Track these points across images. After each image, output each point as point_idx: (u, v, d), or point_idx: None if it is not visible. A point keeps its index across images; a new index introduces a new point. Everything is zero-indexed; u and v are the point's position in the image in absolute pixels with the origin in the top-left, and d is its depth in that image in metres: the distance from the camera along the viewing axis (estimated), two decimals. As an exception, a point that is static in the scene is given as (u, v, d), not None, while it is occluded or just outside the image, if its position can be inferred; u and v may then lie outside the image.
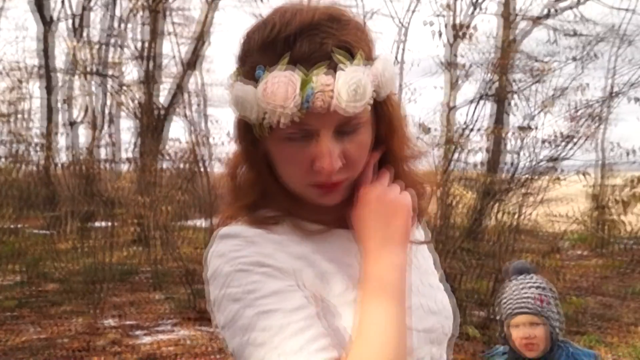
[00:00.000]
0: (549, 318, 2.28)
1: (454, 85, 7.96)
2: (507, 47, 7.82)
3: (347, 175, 0.98)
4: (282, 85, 0.89)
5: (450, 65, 8.07)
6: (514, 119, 8.17)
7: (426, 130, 6.15)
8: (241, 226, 1.01)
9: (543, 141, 6.30)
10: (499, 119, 8.63)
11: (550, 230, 9.27)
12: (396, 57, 7.48)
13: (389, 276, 0.96)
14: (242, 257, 0.95)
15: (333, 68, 0.90)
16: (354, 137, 0.96)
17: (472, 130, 6.70)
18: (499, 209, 6.78)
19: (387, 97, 1.00)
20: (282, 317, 0.90)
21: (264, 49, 0.92)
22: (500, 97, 7.70)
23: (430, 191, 1.14)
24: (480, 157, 7.13)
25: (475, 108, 6.64)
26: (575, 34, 8.43)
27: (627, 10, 9.77)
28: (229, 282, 0.94)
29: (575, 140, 6.12)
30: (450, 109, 8.00)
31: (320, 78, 0.89)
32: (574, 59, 7.25)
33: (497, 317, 2.40)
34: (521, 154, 6.63)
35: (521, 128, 6.46)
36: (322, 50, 0.90)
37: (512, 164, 6.63)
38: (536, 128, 6.39)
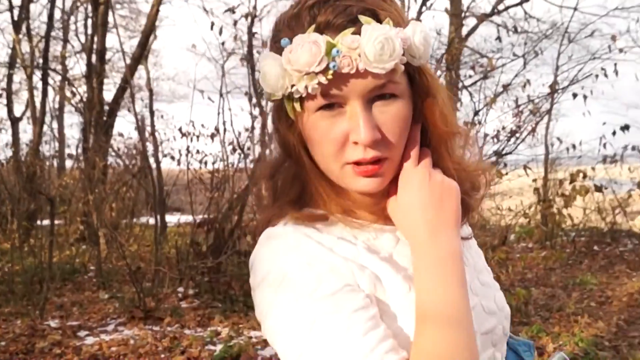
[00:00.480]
0: None
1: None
2: (454, 44, 7.90)
3: (386, 153, 0.90)
4: (306, 48, 0.85)
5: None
6: (461, 114, 8.29)
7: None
8: (289, 226, 0.96)
9: (485, 136, 6.40)
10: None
11: (499, 224, 9.45)
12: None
13: (448, 266, 0.89)
14: (292, 259, 0.90)
15: (359, 33, 0.86)
16: (388, 109, 0.90)
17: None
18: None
19: (423, 67, 0.94)
20: (346, 318, 0.85)
21: (290, 23, 0.91)
22: (453, 92, 7.79)
23: (482, 183, 1.06)
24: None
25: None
26: (519, 31, 8.56)
27: (572, 8, 9.98)
28: (283, 284, 0.89)
29: (518, 135, 6.23)
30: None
31: (346, 39, 0.86)
32: (514, 54, 7.36)
33: None
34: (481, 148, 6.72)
35: (466, 123, 6.54)
36: (346, 16, 0.87)
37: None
38: (480, 123, 6.48)
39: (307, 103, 0.89)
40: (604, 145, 8.16)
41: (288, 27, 0.90)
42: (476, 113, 6.52)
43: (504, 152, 6.30)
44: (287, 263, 0.90)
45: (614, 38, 7.40)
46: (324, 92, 0.87)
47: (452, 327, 0.85)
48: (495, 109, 6.63)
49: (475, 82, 7.23)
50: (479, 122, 6.47)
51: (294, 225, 0.96)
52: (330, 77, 0.86)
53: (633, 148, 8.32)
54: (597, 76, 7.13)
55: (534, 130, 6.49)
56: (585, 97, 7.21)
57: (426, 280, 0.88)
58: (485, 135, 6.41)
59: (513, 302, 6.05)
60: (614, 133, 7.88)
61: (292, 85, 0.88)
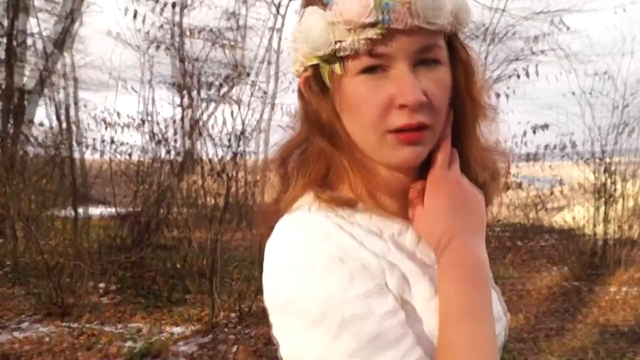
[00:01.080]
0: None
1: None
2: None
3: (430, 119, 0.86)
4: (356, 1, 0.81)
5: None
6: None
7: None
8: (316, 212, 0.89)
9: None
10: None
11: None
12: (272, 46, 7.40)
13: (477, 274, 0.87)
14: (324, 250, 0.83)
15: None
16: (433, 74, 0.86)
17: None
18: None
19: (460, 41, 0.92)
20: (375, 322, 0.80)
21: None
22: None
23: (501, 170, 1.03)
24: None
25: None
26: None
27: (500, 9, 10.22)
28: (310, 279, 0.82)
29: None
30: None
31: None
32: None
33: None
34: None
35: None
36: None
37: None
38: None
39: (349, 64, 0.85)
40: (525, 143, 8.47)
41: None
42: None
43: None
44: (318, 255, 0.83)
45: (536, 39, 7.63)
46: (371, 50, 0.83)
47: (477, 335, 0.83)
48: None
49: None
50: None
51: (322, 212, 0.89)
52: (380, 30, 0.81)
53: (554, 147, 8.60)
54: (518, 76, 7.34)
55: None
56: (507, 96, 7.40)
57: (453, 287, 0.85)
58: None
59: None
60: (534, 131, 8.15)
61: (338, 42, 0.84)
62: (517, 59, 8.82)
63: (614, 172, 8.07)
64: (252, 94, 6.96)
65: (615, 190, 8.10)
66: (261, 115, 6.70)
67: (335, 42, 0.84)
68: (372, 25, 0.82)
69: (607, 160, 8.13)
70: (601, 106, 8.37)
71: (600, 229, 8.17)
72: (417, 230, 0.93)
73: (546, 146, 8.79)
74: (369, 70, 0.85)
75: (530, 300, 6.78)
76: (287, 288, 0.83)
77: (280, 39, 6.45)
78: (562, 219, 9.26)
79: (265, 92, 6.94)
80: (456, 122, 0.95)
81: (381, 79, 0.85)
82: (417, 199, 0.92)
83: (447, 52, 0.89)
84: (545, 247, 8.98)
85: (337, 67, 0.86)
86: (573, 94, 8.39)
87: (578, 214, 8.96)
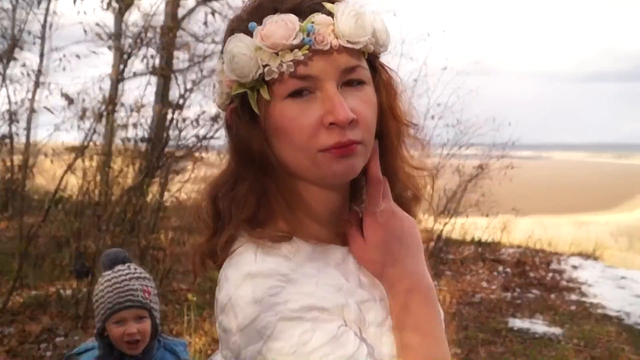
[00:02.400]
0: (153, 310, 2.13)
1: (121, 59, 7.61)
2: (171, 25, 7.73)
3: (360, 136, 0.88)
4: (280, 24, 0.84)
5: (115, 36, 7.68)
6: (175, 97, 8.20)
7: (70, 100, 5.76)
8: (262, 257, 0.88)
9: (185, 120, 6.42)
10: (165, 95, 8.56)
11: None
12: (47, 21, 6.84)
13: (430, 295, 0.93)
14: (285, 303, 0.83)
15: (327, 15, 0.87)
16: (359, 93, 0.89)
17: (142, 106, 6.56)
18: (162, 185, 6.75)
19: (381, 62, 0.96)
20: None
21: (253, 13, 0.89)
22: (163, 74, 7.60)
23: (422, 188, 1.05)
24: (142, 132, 6.98)
25: (147, 84, 6.52)
26: (223, 18, 8.68)
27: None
28: (274, 334, 0.82)
29: (222, 120, 6.34)
30: (118, 82, 7.65)
31: (319, 17, 0.86)
32: (213, 40, 7.45)
33: (96, 312, 2.12)
34: (182, 132, 6.68)
35: (173, 105, 6.47)
36: (311, 2, 0.87)
37: (166, 141, 6.61)
38: (181, 107, 6.47)
39: (276, 88, 0.86)
40: None
41: (249, 17, 0.88)
42: (181, 96, 6.49)
43: (207, 136, 6.40)
44: (279, 308, 0.83)
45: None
46: (297, 72, 0.85)
47: (439, 356, 0.89)
48: (205, 94, 6.67)
49: (189, 67, 7.18)
50: (181, 107, 6.47)
51: (268, 257, 0.89)
52: (305, 52, 0.84)
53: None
54: None
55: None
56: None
57: (410, 315, 0.89)
58: (185, 119, 6.44)
59: (207, 284, 6.12)
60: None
61: (265, 66, 0.85)
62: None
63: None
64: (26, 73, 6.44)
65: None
66: (33, 96, 6.17)
67: (262, 67, 0.85)
68: (298, 47, 0.84)
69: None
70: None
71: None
72: (360, 262, 0.95)
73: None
74: (296, 93, 0.86)
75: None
76: (251, 348, 0.83)
77: (47, 12, 6.00)
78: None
79: (37, 70, 6.42)
80: (381, 142, 0.97)
81: (309, 101, 0.86)
82: (355, 232, 0.95)
83: (371, 72, 0.92)
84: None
85: (264, 93, 0.87)
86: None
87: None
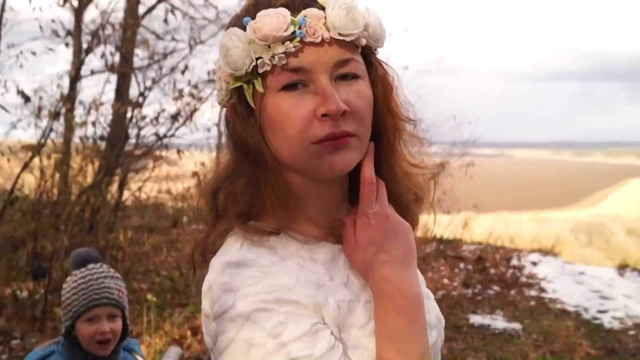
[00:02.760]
0: (125, 310, 2.11)
1: (79, 56, 7.45)
2: (130, 22, 7.61)
3: (354, 128, 0.88)
4: (272, 17, 0.86)
5: (72, 33, 7.53)
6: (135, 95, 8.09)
7: (26, 98, 5.63)
8: (247, 249, 0.90)
9: (144, 117, 6.33)
10: (124, 93, 8.44)
11: (171, 207, 9.44)
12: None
13: (414, 302, 0.91)
14: (260, 293, 0.84)
15: (319, 9, 0.89)
16: (353, 87, 0.90)
17: (101, 104, 6.46)
18: (121, 184, 6.65)
19: (377, 57, 0.96)
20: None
21: (249, 10, 0.91)
22: (122, 72, 7.49)
23: (426, 190, 1.05)
24: (101, 131, 6.87)
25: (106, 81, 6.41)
26: (184, 16, 8.61)
27: None
28: (247, 323, 0.82)
29: (185, 119, 6.28)
30: (76, 79, 7.51)
31: (310, 10, 0.88)
32: (173, 38, 7.39)
33: (66, 310, 2.07)
34: (141, 130, 6.59)
35: (132, 104, 6.38)
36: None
37: (125, 140, 6.51)
38: (141, 105, 6.38)
39: (270, 81, 0.88)
40: None
41: (246, 14, 0.90)
42: (141, 94, 6.39)
43: (167, 135, 6.32)
44: (254, 298, 0.83)
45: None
46: (290, 65, 0.86)
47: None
48: (165, 92, 6.59)
49: (150, 65, 7.08)
50: (140, 105, 6.37)
51: (253, 248, 0.90)
52: (297, 44, 0.86)
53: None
54: None
55: (192, 114, 6.56)
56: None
57: (390, 320, 0.88)
58: (144, 117, 6.35)
59: (167, 284, 6.06)
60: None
61: (258, 59, 0.87)
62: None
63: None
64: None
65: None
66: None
67: (255, 59, 0.87)
68: (289, 39, 0.86)
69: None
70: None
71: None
72: (350, 262, 0.95)
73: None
74: (289, 86, 0.88)
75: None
76: (225, 335, 0.84)
77: (3, 9, 5.81)
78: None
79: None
80: (378, 140, 0.96)
81: (302, 94, 0.87)
82: (349, 231, 0.94)
83: (366, 68, 0.93)
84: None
85: (259, 86, 0.88)
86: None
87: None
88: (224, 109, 1.00)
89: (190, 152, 7.76)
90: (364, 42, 0.92)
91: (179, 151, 6.48)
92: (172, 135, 6.32)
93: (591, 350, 5.63)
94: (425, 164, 1.05)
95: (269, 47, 0.87)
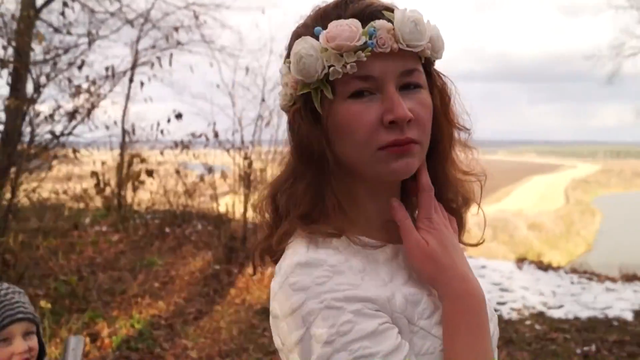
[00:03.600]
0: (40, 324, 1.93)
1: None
2: (25, 14, 7.23)
3: (417, 135, 0.94)
4: (345, 28, 0.91)
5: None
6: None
7: None
8: (313, 250, 0.94)
9: (38, 114, 6.06)
10: (20, 89, 8.02)
11: (72, 208, 9.09)
12: None
13: (483, 309, 0.95)
14: (330, 292, 0.87)
15: (387, 21, 0.93)
16: (416, 96, 0.95)
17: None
18: (14, 184, 6.31)
19: (435, 68, 1.03)
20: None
21: (317, 20, 0.96)
22: (15, 66, 7.10)
23: (473, 194, 1.11)
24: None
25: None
26: (84, 10, 8.29)
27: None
28: (317, 321, 0.86)
29: (83, 116, 6.03)
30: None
31: (379, 22, 0.92)
32: (69, 32, 7.12)
33: None
34: (36, 128, 6.28)
35: (26, 100, 6.07)
36: (372, 9, 0.94)
37: (19, 138, 6.19)
38: (34, 102, 6.09)
39: (339, 89, 0.93)
40: (162, 131, 8.69)
41: (315, 24, 0.95)
42: (36, 90, 6.09)
43: (64, 132, 6.05)
44: (324, 296, 0.87)
45: (176, 30, 7.76)
46: (360, 73, 0.91)
47: None
48: (62, 88, 6.31)
49: (46, 60, 6.76)
50: (35, 101, 6.07)
51: (319, 249, 0.94)
52: (368, 53, 0.90)
53: (200, 135, 8.85)
54: (152, 65, 7.43)
55: (90, 112, 6.33)
56: (142, 83, 7.42)
57: (460, 319, 0.92)
58: (38, 114, 6.07)
59: (63, 289, 5.82)
60: (176, 118, 8.33)
61: (330, 67, 0.92)
62: (166, 48, 8.89)
63: (253, 160, 8.63)
64: None
65: (256, 177, 8.66)
66: None
67: (327, 67, 0.92)
68: (360, 49, 0.91)
69: (250, 149, 8.68)
70: (246, 99, 8.94)
71: (249, 214, 8.67)
72: (414, 264, 0.97)
73: (193, 134, 9.03)
74: (357, 94, 0.93)
75: (173, 287, 6.86)
76: (295, 333, 0.87)
77: None
78: (212, 206, 9.57)
79: None
80: (433, 147, 1.02)
81: (370, 101, 0.93)
82: (411, 235, 0.97)
83: (425, 78, 0.98)
84: (193, 233, 9.20)
85: (328, 92, 0.93)
86: (218, 86, 8.77)
87: (228, 201, 9.37)
88: (286, 115, 1.04)
89: (89, 151, 7.50)
90: (428, 53, 0.98)
91: (74, 150, 6.22)
92: (70, 134, 6.04)
93: (492, 341, 5.82)
94: (474, 171, 1.11)
95: (341, 55, 0.92)
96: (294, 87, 0.97)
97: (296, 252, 0.94)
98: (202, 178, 9.47)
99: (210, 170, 9.35)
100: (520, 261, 9.48)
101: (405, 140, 0.93)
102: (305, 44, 0.94)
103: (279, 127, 9.10)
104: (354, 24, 0.92)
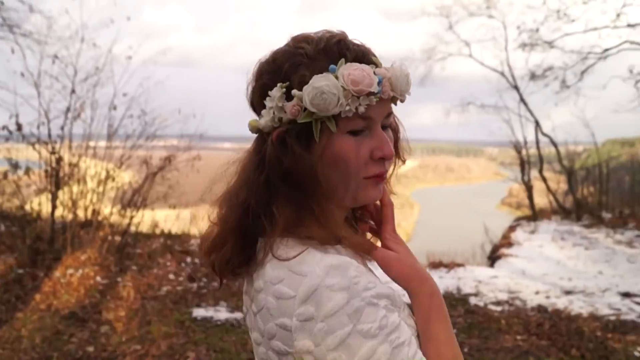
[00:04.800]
0: None
1: None
2: None
3: (388, 167, 1.13)
4: (365, 74, 1.02)
5: None
6: None
7: None
8: (334, 253, 1.04)
9: None
10: None
11: None
12: None
13: (441, 304, 1.09)
14: (366, 290, 0.97)
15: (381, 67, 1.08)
16: (389, 135, 1.12)
17: None
18: None
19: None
20: (407, 349, 0.97)
21: (319, 56, 1.05)
22: None
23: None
24: None
25: None
26: None
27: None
28: (361, 317, 0.94)
29: None
30: None
31: (380, 71, 1.06)
32: None
33: None
34: None
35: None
36: (367, 53, 1.08)
37: None
38: None
39: (341, 124, 1.04)
40: None
41: (316, 58, 1.05)
42: None
43: None
44: (364, 294, 0.96)
45: None
46: (364, 114, 1.05)
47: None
48: None
49: None
50: None
51: (336, 253, 1.05)
52: (377, 99, 1.05)
53: (3, 128, 8.12)
54: None
55: None
56: None
57: (439, 326, 1.06)
58: None
59: None
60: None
61: (347, 105, 1.03)
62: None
63: (63, 155, 8.10)
64: None
65: (66, 173, 8.14)
66: None
67: (345, 105, 1.02)
68: (372, 94, 1.04)
69: (58, 143, 8.13)
70: (54, 90, 8.33)
71: (58, 213, 8.12)
72: (388, 271, 1.11)
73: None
74: (355, 131, 1.06)
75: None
76: (340, 331, 0.94)
77: None
78: (16, 205, 8.81)
79: None
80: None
81: (363, 138, 1.06)
82: (381, 246, 1.15)
83: None
84: (-5, 235, 8.44)
85: (332, 126, 1.03)
86: (22, 75, 8.10)
87: (34, 199, 8.70)
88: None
89: None
90: (403, 99, 1.12)
91: None
92: None
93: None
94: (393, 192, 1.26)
95: (358, 97, 1.03)
96: (294, 114, 1.04)
97: (316, 257, 1.02)
98: (5, 175, 8.69)
99: (15, 166, 8.60)
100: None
101: (384, 173, 1.11)
102: (328, 81, 1.02)
103: (94, 120, 8.67)
104: (370, 71, 1.04)
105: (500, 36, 18.50)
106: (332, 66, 1.04)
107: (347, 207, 1.15)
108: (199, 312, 6.45)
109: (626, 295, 7.74)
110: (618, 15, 15.58)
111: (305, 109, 1.03)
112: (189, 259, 8.60)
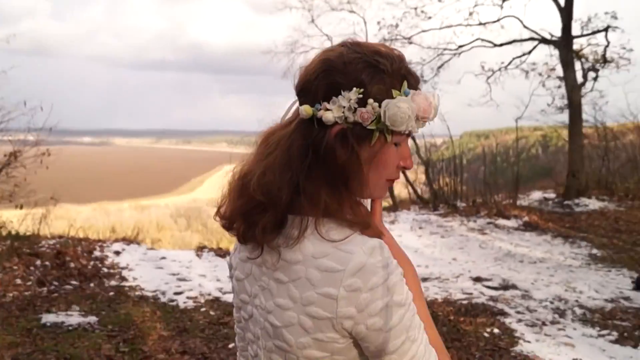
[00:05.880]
0: None
1: None
2: None
3: None
4: (429, 104, 1.23)
5: None
6: None
7: None
8: (371, 239, 1.19)
9: None
10: None
11: None
12: None
13: (420, 284, 1.30)
14: (397, 267, 1.18)
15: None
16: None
17: None
18: None
19: None
20: (418, 317, 1.20)
21: (393, 74, 1.21)
22: None
23: None
24: None
25: None
26: None
27: None
28: (397, 290, 1.15)
29: None
30: None
31: (434, 101, 1.25)
32: None
33: None
34: None
35: None
36: (419, 81, 1.26)
37: None
38: None
39: (394, 137, 1.23)
40: None
41: (394, 77, 1.21)
42: None
43: None
44: (398, 270, 1.18)
45: None
46: (412, 133, 1.24)
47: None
48: None
49: None
50: None
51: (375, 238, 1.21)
52: (426, 124, 1.26)
53: None
54: None
55: None
56: None
57: (415, 293, 1.24)
58: None
59: None
60: None
61: (411, 125, 1.20)
62: None
63: None
64: None
65: None
66: None
67: (411, 126, 1.20)
68: (426, 119, 1.24)
69: None
70: None
71: None
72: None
73: None
74: (398, 144, 1.26)
75: None
76: (379, 301, 1.14)
77: None
78: None
79: None
80: None
81: (398, 149, 1.27)
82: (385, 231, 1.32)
83: None
84: None
85: (389, 137, 1.22)
86: None
87: None
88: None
89: None
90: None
91: None
92: None
93: (164, 332, 5.76)
94: None
95: (418, 120, 1.21)
96: (364, 119, 1.18)
97: (361, 239, 1.18)
98: None
99: None
100: (200, 249, 9.62)
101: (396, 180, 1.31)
102: (408, 105, 1.19)
103: None
104: (433, 103, 1.23)
105: (361, 31, 18.78)
106: (406, 90, 1.21)
107: (367, 198, 1.33)
108: (49, 318, 6.02)
109: (477, 279, 8.20)
110: (471, 13, 16.53)
111: (376, 118, 1.19)
112: (38, 262, 8.02)
